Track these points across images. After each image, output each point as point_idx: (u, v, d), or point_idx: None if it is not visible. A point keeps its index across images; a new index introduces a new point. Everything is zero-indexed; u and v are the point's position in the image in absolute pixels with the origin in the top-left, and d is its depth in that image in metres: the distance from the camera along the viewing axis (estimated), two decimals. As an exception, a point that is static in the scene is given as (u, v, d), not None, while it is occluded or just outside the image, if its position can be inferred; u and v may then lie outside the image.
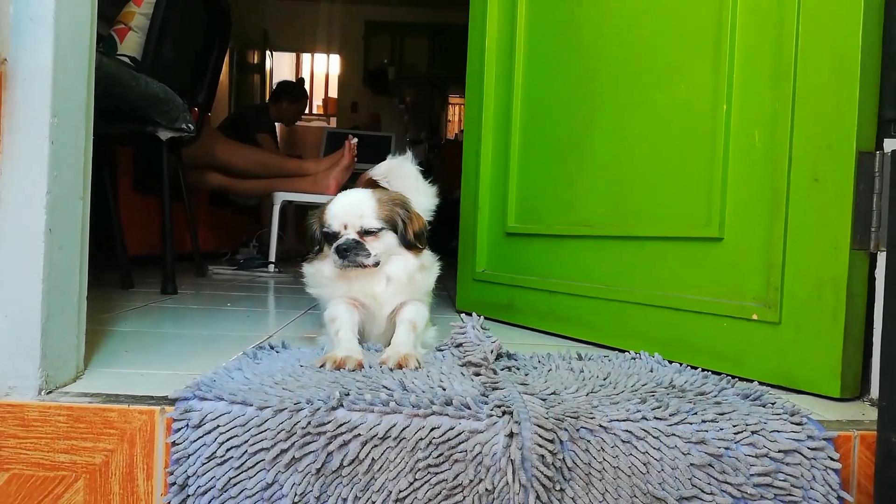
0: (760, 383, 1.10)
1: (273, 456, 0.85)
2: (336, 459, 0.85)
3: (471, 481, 0.84)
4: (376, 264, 1.25)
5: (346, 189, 1.37)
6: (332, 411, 0.87)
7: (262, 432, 0.86)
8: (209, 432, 0.86)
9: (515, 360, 1.24)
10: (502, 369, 1.15)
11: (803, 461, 0.86)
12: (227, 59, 3.78)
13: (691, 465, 0.85)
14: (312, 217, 1.33)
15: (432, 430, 0.86)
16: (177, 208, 2.58)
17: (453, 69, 4.03)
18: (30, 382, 0.94)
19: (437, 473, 0.84)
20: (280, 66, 7.83)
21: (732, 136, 1.26)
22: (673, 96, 1.38)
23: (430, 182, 1.51)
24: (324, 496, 0.85)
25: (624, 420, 0.89)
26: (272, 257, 3.44)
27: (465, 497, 0.84)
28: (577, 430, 0.87)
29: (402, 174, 1.48)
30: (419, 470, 0.84)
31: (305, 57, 8.24)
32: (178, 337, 1.48)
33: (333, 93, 8.09)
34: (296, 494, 0.84)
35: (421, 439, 0.85)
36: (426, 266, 1.33)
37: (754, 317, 1.20)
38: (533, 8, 1.82)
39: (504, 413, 0.87)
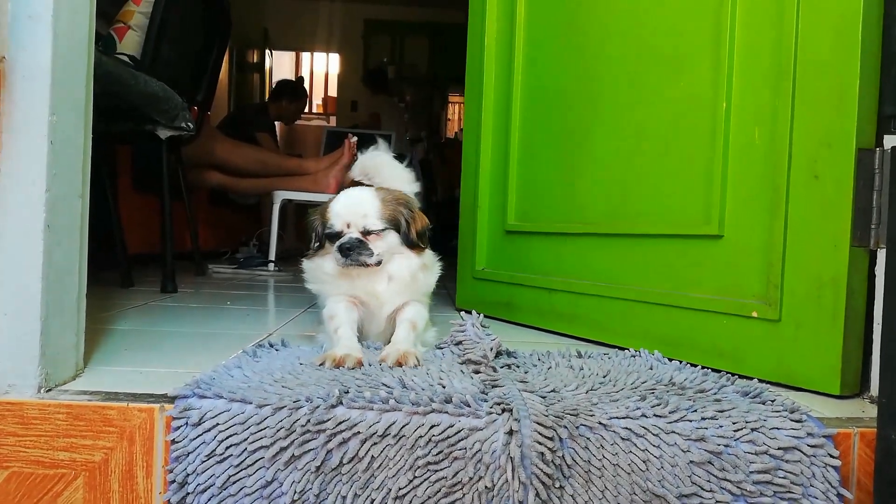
0: (760, 381, 1.10)
1: (272, 454, 0.85)
2: (335, 457, 0.85)
3: (470, 479, 0.84)
4: (379, 263, 1.25)
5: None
6: (331, 409, 0.87)
7: (261, 430, 0.86)
8: (209, 430, 0.86)
9: (515, 357, 1.24)
10: (502, 367, 1.15)
11: (803, 458, 0.86)
12: (226, 57, 3.78)
13: (691, 462, 0.85)
14: (314, 214, 1.33)
15: (432, 427, 0.85)
16: (176, 207, 2.58)
17: (453, 68, 4.02)
18: (29, 380, 0.94)
19: (436, 471, 0.84)
20: (280, 64, 7.82)
21: (732, 134, 1.26)
22: (673, 94, 1.38)
23: (419, 179, 1.50)
24: (323, 494, 0.85)
25: (623, 417, 0.88)
26: (272, 256, 3.44)
27: (464, 494, 0.84)
28: (577, 427, 0.87)
29: (379, 167, 1.47)
30: (419, 467, 0.84)
31: (305, 56, 8.23)
32: (177, 335, 1.48)
33: (333, 92, 8.08)
34: (295, 492, 0.84)
35: (420, 437, 0.85)
36: (428, 265, 1.33)
37: (754, 314, 1.20)
38: (531, 7, 1.82)
39: (504, 411, 0.87)
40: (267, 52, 7.32)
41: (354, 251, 1.22)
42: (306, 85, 6.61)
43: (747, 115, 1.24)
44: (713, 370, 1.17)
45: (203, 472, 0.85)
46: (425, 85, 7.53)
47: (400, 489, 0.84)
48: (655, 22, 1.43)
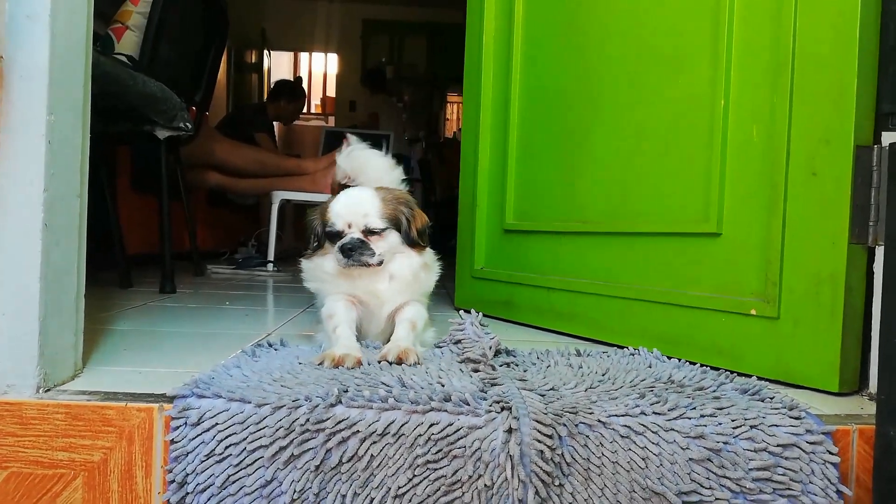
0: (759, 378, 1.10)
1: (272, 453, 0.85)
2: (335, 456, 0.85)
3: (470, 477, 0.84)
4: (380, 263, 1.25)
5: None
6: (330, 408, 0.87)
7: (260, 429, 0.86)
8: (208, 430, 0.86)
9: (514, 356, 1.24)
10: (501, 366, 1.15)
11: (802, 455, 0.87)
12: (224, 58, 3.78)
13: (690, 459, 0.85)
14: (314, 213, 1.33)
15: (431, 426, 0.85)
16: (175, 207, 2.58)
17: (452, 68, 4.03)
18: (28, 380, 0.94)
19: (436, 469, 0.84)
20: (278, 65, 7.82)
21: (730, 132, 1.26)
22: (673, 93, 1.38)
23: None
24: (323, 493, 0.84)
25: (623, 415, 0.89)
26: (271, 256, 3.44)
27: (464, 493, 0.84)
28: (576, 425, 0.87)
29: (360, 166, 1.43)
30: (418, 466, 0.84)
31: (303, 56, 8.23)
32: (176, 335, 1.48)
33: (331, 92, 8.08)
34: (295, 491, 0.84)
35: (420, 435, 0.85)
36: (429, 265, 1.33)
37: (753, 312, 1.20)
38: (530, 6, 1.82)
39: (503, 409, 0.87)
40: (265, 52, 7.31)
41: (356, 251, 1.22)
42: (305, 85, 6.61)
43: (745, 113, 1.24)
44: (712, 368, 1.17)
45: (202, 472, 0.85)
46: (424, 85, 7.53)
47: (399, 488, 0.84)
48: (655, 21, 1.43)
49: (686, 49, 1.36)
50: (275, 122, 5.07)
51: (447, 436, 0.85)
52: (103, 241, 2.31)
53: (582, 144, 1.62)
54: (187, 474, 0.85)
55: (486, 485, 0.83)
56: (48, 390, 0.96)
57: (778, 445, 0.86)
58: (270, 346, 1.24)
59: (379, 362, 1.11)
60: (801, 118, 1.14)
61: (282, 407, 0.87)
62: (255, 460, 0.85)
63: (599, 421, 0.87)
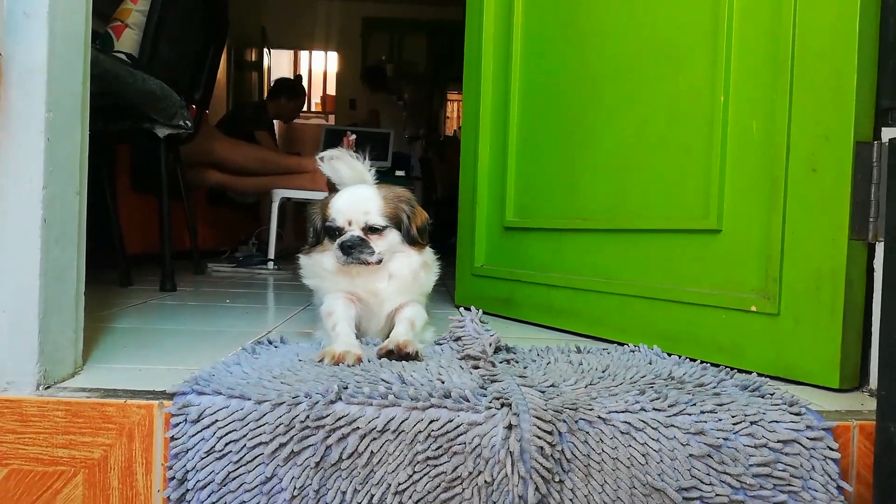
0: (759, 374, 1.10)
1: (272, 450, 0.85)
2: (335, 453, 0.85)
3: (470, 473, 0.84)
4: (380, 262, 1.25)
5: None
6: (330, 405, 0.87)
7: (260, 426, 0.86)
8: (208, 426, 0.86)
9: (514, 353, 1.24)
10: (501, 362, 1.15)
11: (802, 451, 0.86)
12: (224, 56, 3.77)
13: (690, 455, 0.85)
14: (314, 208, 1.33)
15: (431, 422, 0.85)
16: (175, 206, 2.58)
17: (452, 66, 4.02)
18: (28, 378, 0.94)
19: (436, 466, 0.84)
20: (278, 63, 7.81)
21: (730, 128, 1.26)
22: (672, 89, 1.38)
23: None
24: (323, 489, 0.84)
25: (623, 411, 0.88)
26: (271, 254, 3.44)
27: (464, 489, 0.84)
28: (576, 421, 0.87)
29: (337, 169, 1.36)
30: (418, 462, 0.84)
31: (303, 54, 8.23)
32: (176, 333, 1.48)
33: (332, 90, 8.08)
34: (295, 488, 0.84)
35: (420, 432, 0.85)
36: (428, 264, 1.33)
37: (753, 308, 1.20)
38: (529, 3, 1.81)
39: (503, 405, 0.87)
40: (265, 50, 7.31)
41: (356, 249, 1.22)
42: (305, 83, 6.61)
43: (745, 108, 1.24)
44: (712, 364, 1.17)
45: (202, 469, 0.85)
46: (424, 83, 7.52)
47: (400, 484, 0.84)
48: (654, 16, 1.43)
49: (686, 44, 1.35)
50: (275, 121, 5.06)
51: (447, 432, 0.85)
52: (103, 240, 2.31)
53: (581, 141, 1.62)
54: (187, 471, 0.86)
55: (486, 481, 0.83)
56: (48, 387, 0.96)
57: (778, 441, 0.86)
58: (270, 343, 1.24)
59: (379, 357, 1.11)
60: (801, 114, 1.14)
61: (282, 404, 0.87)
62: (255, 457, 0.85)
63: (599, 417, 0.87)
